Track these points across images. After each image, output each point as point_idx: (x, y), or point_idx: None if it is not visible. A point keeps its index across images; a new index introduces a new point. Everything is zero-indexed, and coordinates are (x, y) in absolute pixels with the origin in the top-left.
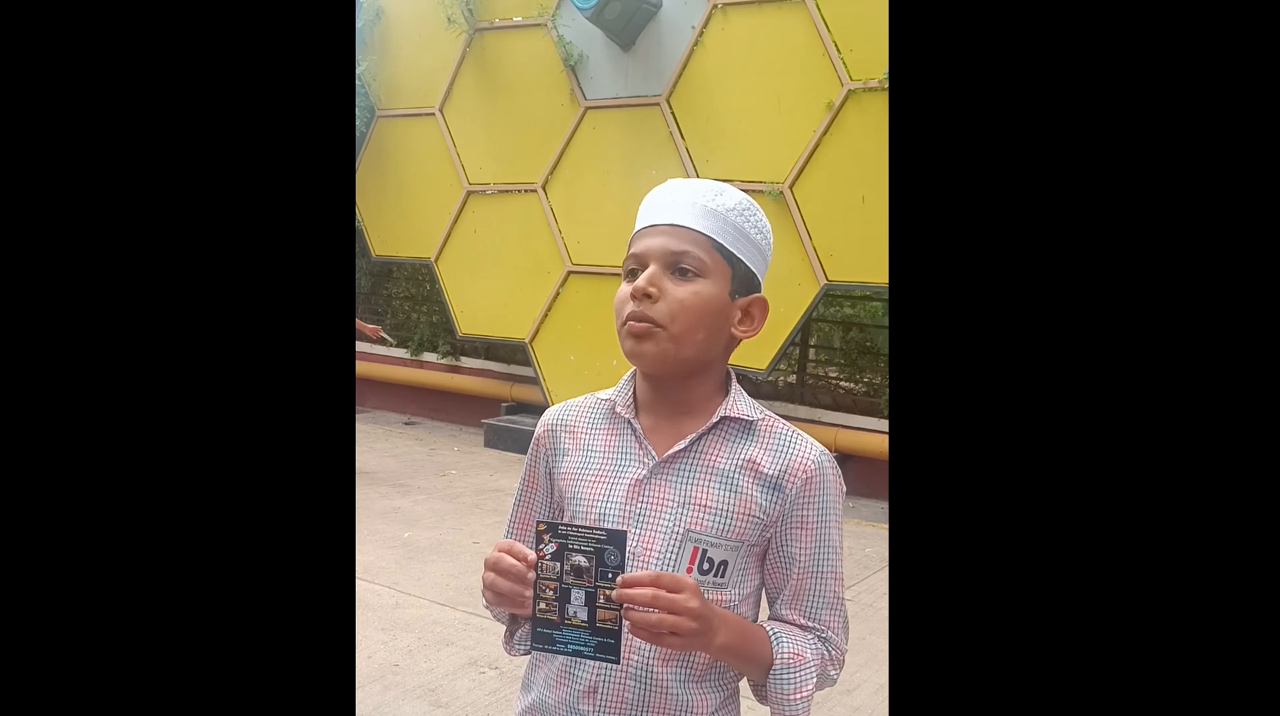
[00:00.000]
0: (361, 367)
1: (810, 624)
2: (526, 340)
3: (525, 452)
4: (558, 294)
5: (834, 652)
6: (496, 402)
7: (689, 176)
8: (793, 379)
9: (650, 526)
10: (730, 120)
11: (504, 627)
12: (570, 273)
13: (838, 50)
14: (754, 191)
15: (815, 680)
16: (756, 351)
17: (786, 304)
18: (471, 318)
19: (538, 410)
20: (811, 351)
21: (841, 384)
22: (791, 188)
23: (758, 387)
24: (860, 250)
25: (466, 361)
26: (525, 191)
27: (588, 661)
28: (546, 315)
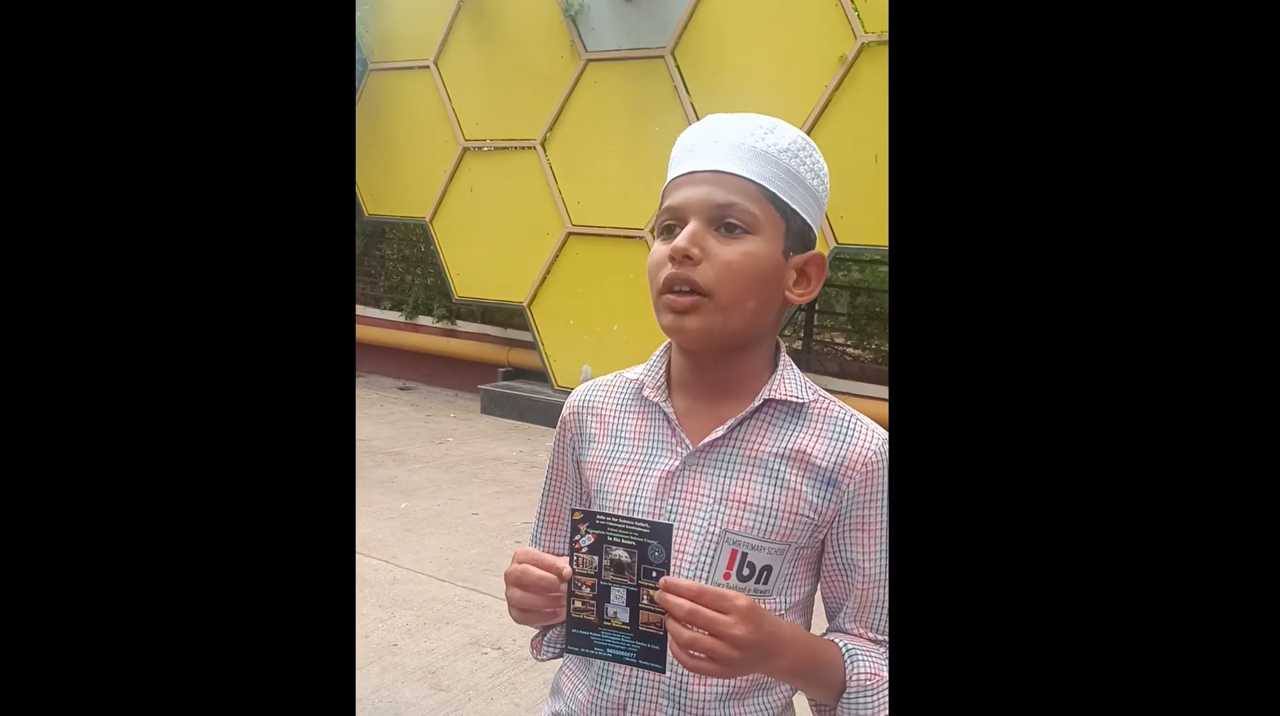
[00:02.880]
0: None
1: (882, 639)
2: (524, 304)
3: (523, 419)
4: (557, 256)
5: None
6: (493, 368)
7: None
8: (798, 346)
9: (683, 525)
10: (737, 74)
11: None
12: (570, 234)
13: (851, 0)
14: None
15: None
16: None
17: None
18: (468, 280)
19: (536, 376)
20: (817, 317)
21: (849, 351)
22: None
23: None
24: (872, 211)
25: (463, 325)
26: (523, 148)
27: (616, 674)
28: (545, 278)
